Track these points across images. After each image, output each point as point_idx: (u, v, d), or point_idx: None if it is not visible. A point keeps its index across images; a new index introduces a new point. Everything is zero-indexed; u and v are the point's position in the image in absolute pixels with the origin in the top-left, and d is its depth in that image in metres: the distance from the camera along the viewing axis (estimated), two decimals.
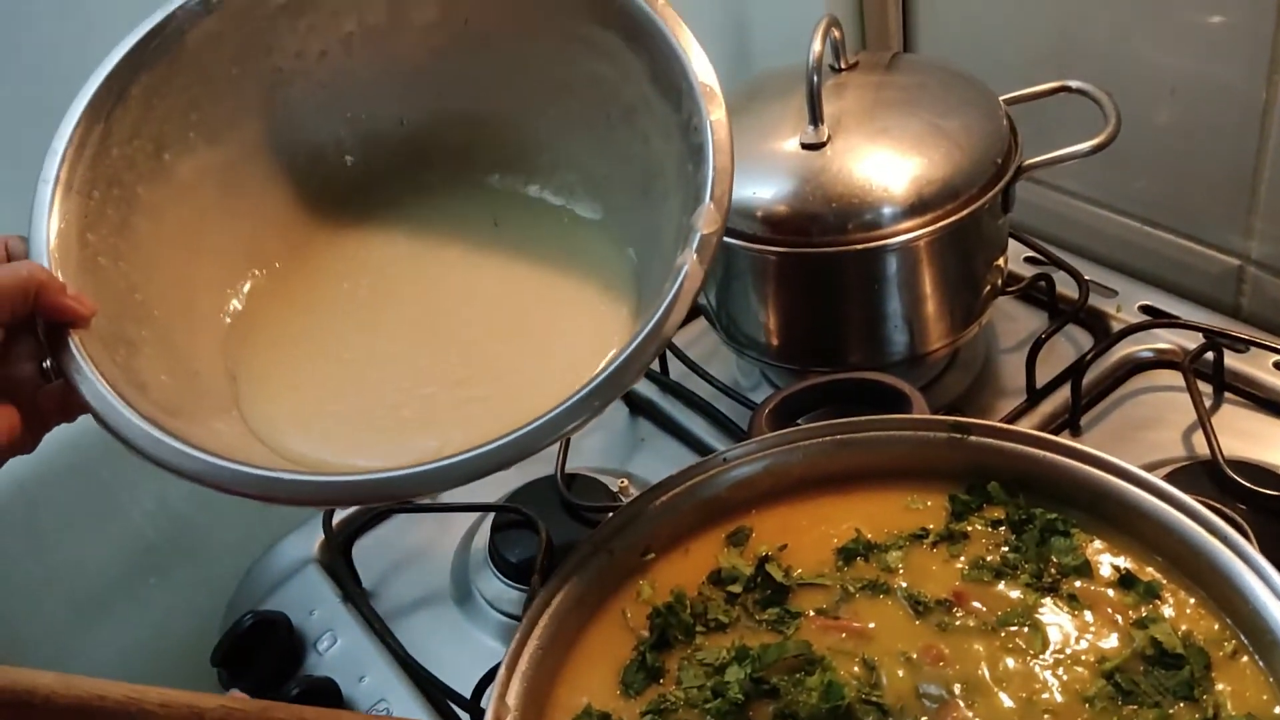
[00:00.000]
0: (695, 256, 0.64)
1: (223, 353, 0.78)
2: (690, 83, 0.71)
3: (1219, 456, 0.84)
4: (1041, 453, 0.69)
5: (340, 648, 0.96)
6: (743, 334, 1.00)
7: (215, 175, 0.81)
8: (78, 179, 0.72)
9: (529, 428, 0.61)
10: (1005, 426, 0.70)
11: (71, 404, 0.67)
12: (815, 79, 0.88)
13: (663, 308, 0.63)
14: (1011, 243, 1.04)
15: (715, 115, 0.70)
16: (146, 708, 0.49)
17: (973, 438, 0.70)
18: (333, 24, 0.82)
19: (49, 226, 0.70)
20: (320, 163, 0.85)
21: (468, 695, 0.86)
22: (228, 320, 0.80)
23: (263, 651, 0.95)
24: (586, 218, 0.83)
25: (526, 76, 0.83)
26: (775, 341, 1.00)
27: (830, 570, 0.70)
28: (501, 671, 0.65)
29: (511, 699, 0.64)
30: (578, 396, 0.62)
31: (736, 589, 0.69)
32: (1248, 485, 0.81)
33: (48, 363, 0.66)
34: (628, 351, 0.63)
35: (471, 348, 0.77)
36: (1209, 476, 0.84)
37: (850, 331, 0.96)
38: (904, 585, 0.67)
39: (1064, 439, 0.68)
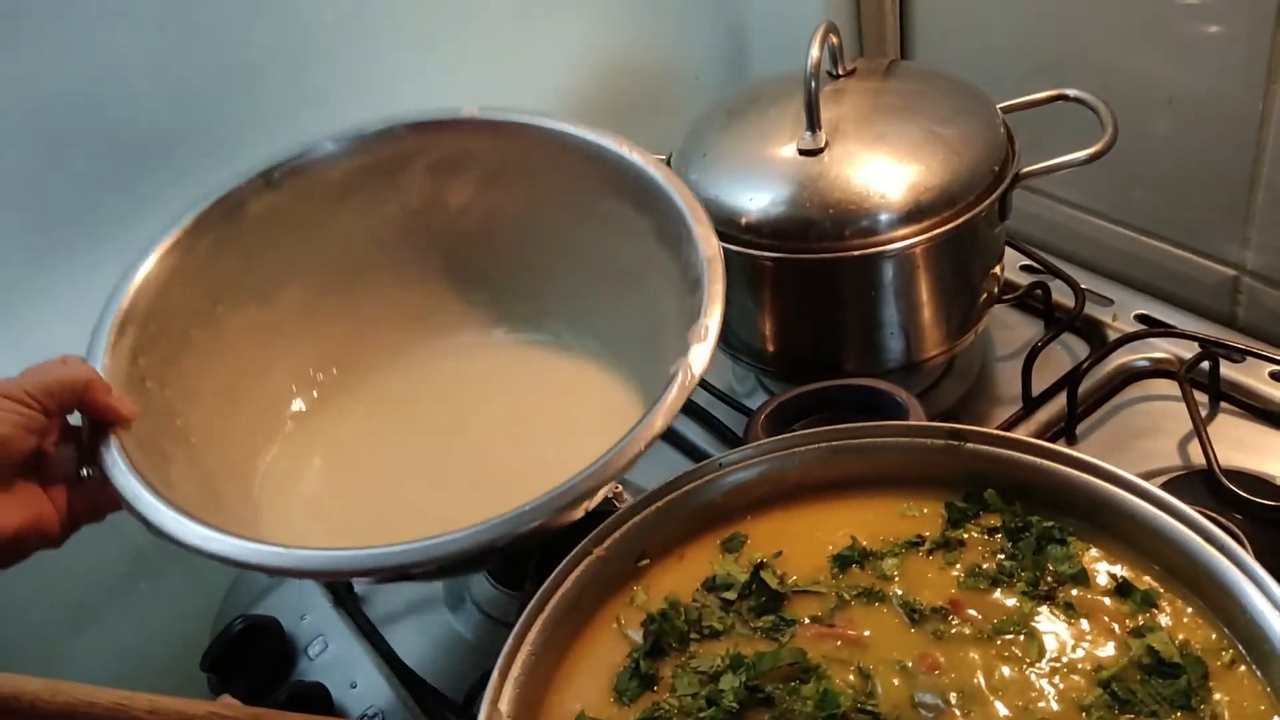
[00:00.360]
0: (690, 364, 0.73)
1: (249, 493, 0.87)
2: (689, 228, 0.81)
3: (1215, 466, 0.84)
4: (1039, 460, 0.68)
5: (331, 653, 0.95)
6: (739, 340, 1.00)
7: (262, 331, 0.92)
8: (139, 310, 0.83)
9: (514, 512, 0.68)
10: (1002, 434, 0.69)
11: (101, 504, 0.74)
12: (813, 85, 0.88)
13: (652, 412, 0.71)
14: (1008, 251, 1.03)
15: (709, 252, 0.80)
16: (135, 714, 0.48)
17: (969, 445, 0.70)
18: (378, 207, 0.95)
19: (106, 342, 0.80)
20: (359, 298, 0.97)
21: (460, 701, 0.85)
22: (259, 464, 0.90)
23: (253, 656, 0.94)
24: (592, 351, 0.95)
25: (548, 253, 0.95)
26: (771, 348, 1.00)
27: (825, 577, 0.69)
28: (494, 677, 0.64)
29: (504, 705, 0.63)
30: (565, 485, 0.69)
31: (731, 595, 0.69)
32: (1244, 495, 0.81)
33: (85, 471, 0.74)
34: (623, 442, 0.70)
35: (488, 454, 0.89)
36: (1205, 486, 0.84)
37: (846, 338, 0.96)
38: (899, 593, 0.67)
39: (1061, 446, 0.68)
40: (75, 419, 0.76)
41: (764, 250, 0.91)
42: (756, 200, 0.91)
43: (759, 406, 0.81)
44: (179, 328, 0.86)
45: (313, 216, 0.93)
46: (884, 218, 0.88)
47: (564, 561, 0.69)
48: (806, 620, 0.67)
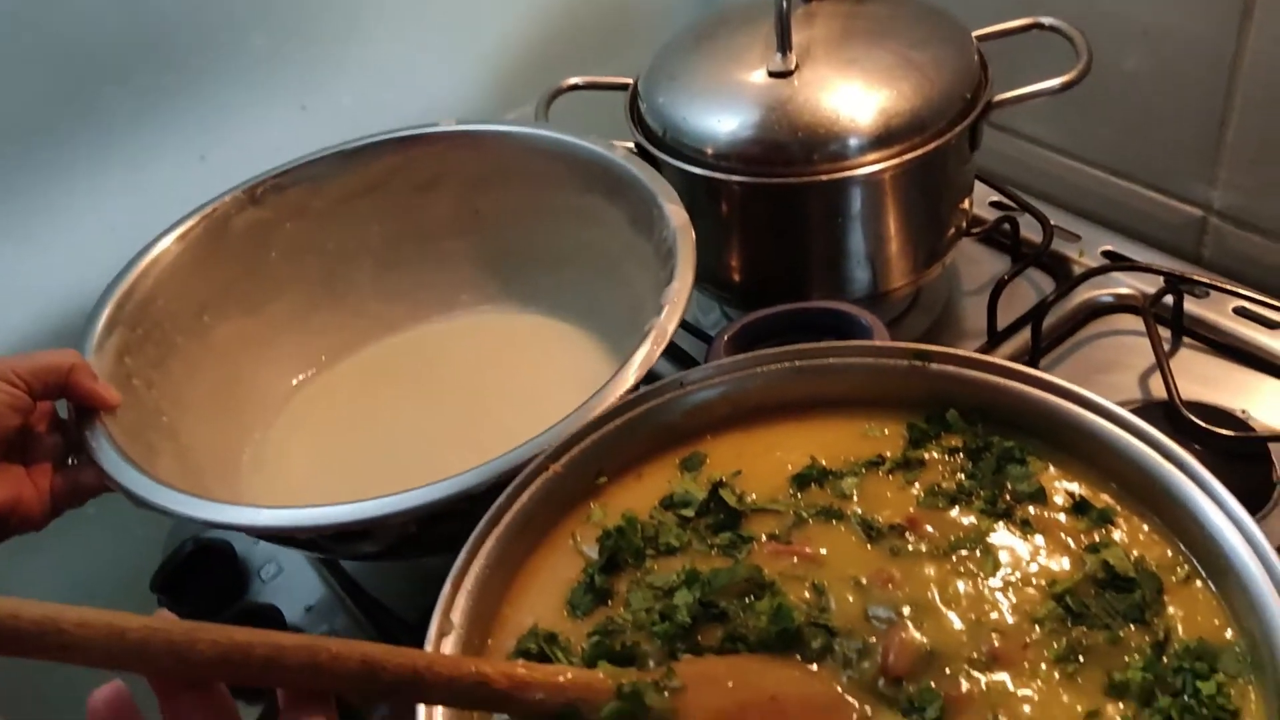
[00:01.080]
0: (663, 323, 0.76)
1: (236, 483, 0.90)
2: (660, 206, 0.85)
3: (1176, 398, 0.84)
4: (1002, 380, 0.68)
5: (285, 576, 0.94)
6: (705, 270, 0.98)
7: (250, 341, 0.95)
8: (126, 313, 0.86)
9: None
10: (966, 354, 0.69)
11: (83, 488, 0.77)
12: (784, 5, 0.87)
13: (626, 366, 0.74)
14: (978, 187, 1.03)
15: (679, 222, 0.84)
16: (63, 627, 0.46)
17: (933, 366, 0.69)
18: (363, 223, 1.00)
19: (93, 341, 0.83)
20: (348, 310, 1.01)
21: (414, 623, 0.84)
22: (244, 457, 0.93)
23: (204, 578, 0.93)
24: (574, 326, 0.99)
25: (529, 248, 1.00)
26: (737, 278, 0.99)
27: (784, 496, 0.68)
28: (446, 588, 0.63)
29: (456, 616, 0.62)
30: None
31: (689, 513, 0.68)
32: (1203, 425, 0.81)
33: (70, 460, 0.77)
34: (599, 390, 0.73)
35: (473, 409, 0.93)
36: (1166, 418, 0.84)
37: (813, 267, 0.95)
38: (858, 511, 0.66)
39: (1024, 366, 0.67)
40: (63, 412, 0.79)
41: (731, 175, 0.90)
42: (725, 123, 0.90)
43: (723, 328, 0.80)
44: (165, 334, 0.89)
45: (298, 233, 0.98)
46: (853, 142, 0.86)
47: (520, 477, 0.68)
48: (764, 538, 0.66)
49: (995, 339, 0.96)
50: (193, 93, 0.99)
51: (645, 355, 0.75)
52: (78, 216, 0.99)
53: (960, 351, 0.69)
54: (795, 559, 0.65)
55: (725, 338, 0.78)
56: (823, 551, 0.65)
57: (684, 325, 1.02)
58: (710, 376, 0.72)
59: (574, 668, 0.59)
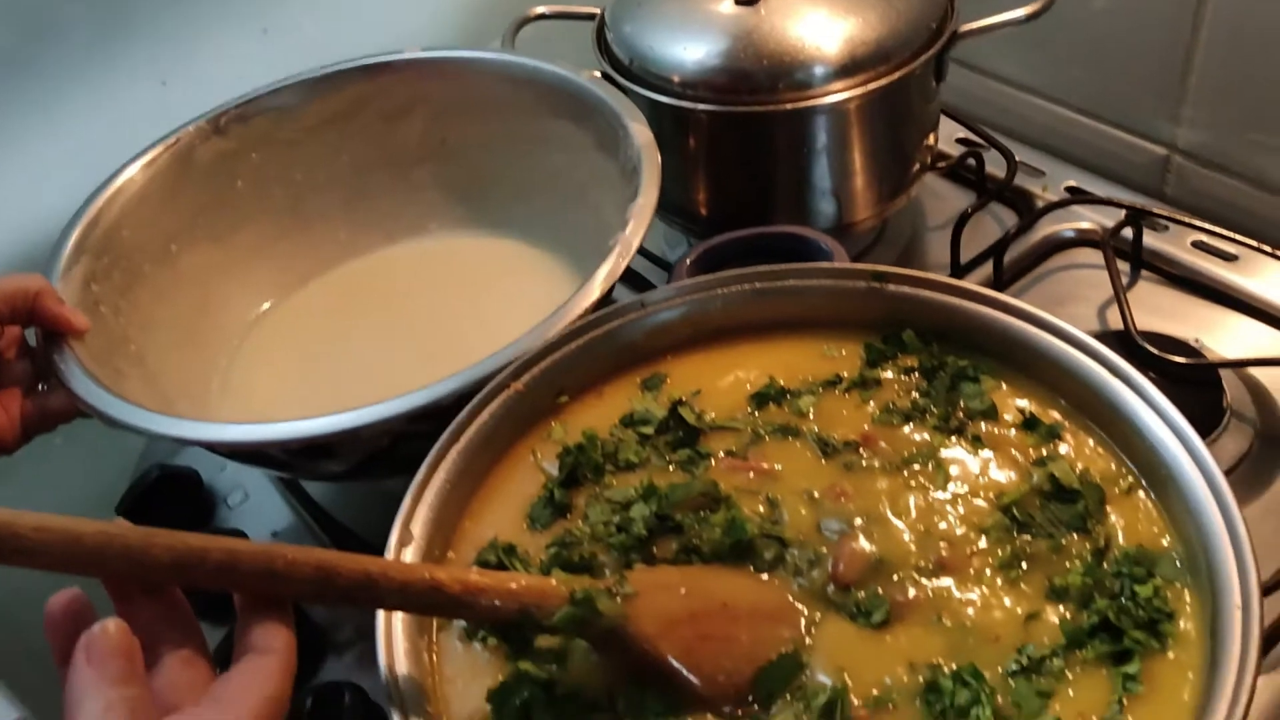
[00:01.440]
0: (628, 238, 0.76)
1: (205, 406, 0.90)
2: (625, 125, 0.85)
3: (1131, 328, 0.85)
4: (958, 301, 0.68)
5: (252, 503, 0.94)
6: (670, 201, 0.98)
7: (217, 270, 0.95)
8: (92, 241, 0.86)
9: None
10: (923, 275, 0.69)
11: (52, 413, 0.77)
12: None
13: (591, 280, 0.74)
14: (944, 123, 1.03)
15: (644, 140, 0.84)
16: (20, 531, 0.47)
17: (891, 287, 0.70)
18: (330, 154, 0.99)
19: (59, 268, 0.83)
20: (316, 239, 1.01)
21: (383, 549, 0.85)
22: (213, 384, 0.93)
23: (169, 506, 0.93)
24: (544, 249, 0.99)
25: (499, 175, 1.00)
26: (703, 210, 0.99)
27: (743, 414, 0.69)
28: (407, 500, 0.64)
29: (416, 528, 0.63)
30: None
31: (649, 430, 0.69)
32: (1157, 353, 0.82)
33: (40, 386, 0.77)
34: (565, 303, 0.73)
35: (440, 331, 0.92)
36: (1121, 347, 0.85)
37: (778, 198, 0.96)
38: (814, 429, 0.67)
39: (979, 287, 0.68)
40: (32, 340, 0.79)
41: (698, 103, 0.90)
42: (691, 51, 0.89)
43: (685, 252, 0.80)
44: (132, 262, 0.89)
45: (264, 163, 0.97)
46: (819, 71, 0.87)
47: (480, 395, 0.69)
48: (721, 454, 0.67)
49: (958, 272, 0.97)
50: (151, 14, 0.98)
51: (610, 269, 0.75)
52: (37, 143, 0.98)
53: (917, 272, 0.70)
54: (751, 474, 0.66)
55: (687, 261, 0.78)
56: (778, 467, 0.66)
57: (651, 258, 1.03)
58: (671, 297, 0.73)
59: (528, 575, 0.60)
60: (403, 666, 0.56)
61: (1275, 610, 0.70)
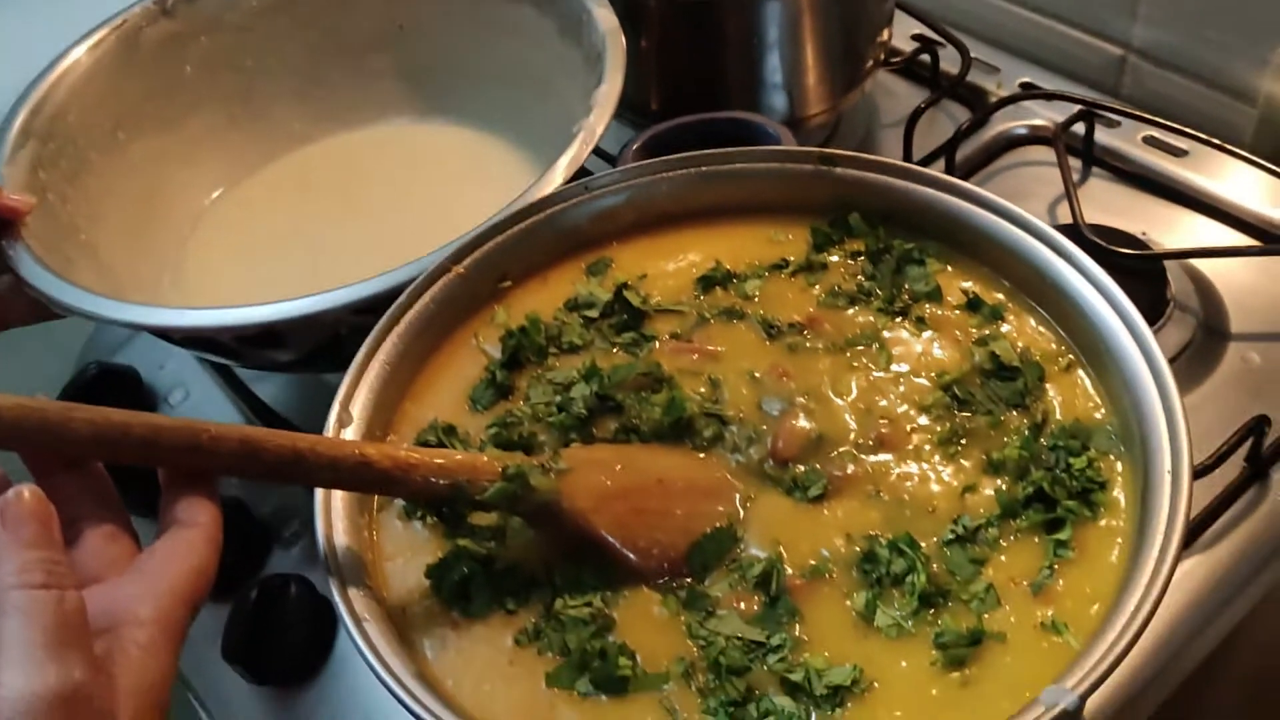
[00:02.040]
0: (591, 124, 0.76)
1: (158, 293, 0.89)
2: (588, 11, 0.83)
3: (1079, 221, 0.85)
4: (904, 183, 0.68)
5: (193, 401, 0.93)
6: (621, 95, 0.97)
7: (167, 158, 0.93)
8: (37, 126, 0.84)
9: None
10: (870, 157, 0.69)
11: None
12: None
13: (554, 166, 0.73)
14: (899, 19, 1.01)
15: (608, 26, 0.82)
16: None
17: (838, 169, 0.69)
18: (280, 45, 0.96)
19: (5, 151, 0.81)
20: (269, 128, 0.98)
21: None
22: (165, 277, 0.91)
23: (108, 404, 0.91)
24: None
25: (460, 64, 0.97)
26: (655, 105, 0.97)
27: (688, 297, 0.69)
28: (345, 381, 0.63)
29: (356, 409, 0.62)
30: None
31: (593, 314, 0.68)
32: (1104, 245, 0.82)
33: None
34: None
35: (396, 221, 0.91)
36: (1070, 240, 0.85)
37: (730, 91, 0.94)
38: (759, 312, 0.67)
39: (926, 169, 0.67)
40: None
41: None
42: None
43: (631, 138, 0.79)
44: (79, 149, 0.87)
45: (213, 47, 0.94)
46: None
47: (421, 278, 0.67)
48: (666, 336, 0.67)
49: None
50: None
51: (573, 156, 0.74)
52: None
53: (864, 155, 0.69)
54: (695, 356, 0.66)
55: (634, 147, 0.77)
56: (721, 349, 0.66)
57: (603, 156, 1.01)
58: (616, 181, 0.71)
59: (462, 451, 0.60)
60: (342, 540, 0.56)
61: (1209, 494, 0.72)
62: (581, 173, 0.99)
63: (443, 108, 1.00)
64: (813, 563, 0.56)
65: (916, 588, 0.53)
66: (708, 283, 0.69)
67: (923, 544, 0.55)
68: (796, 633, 0.53)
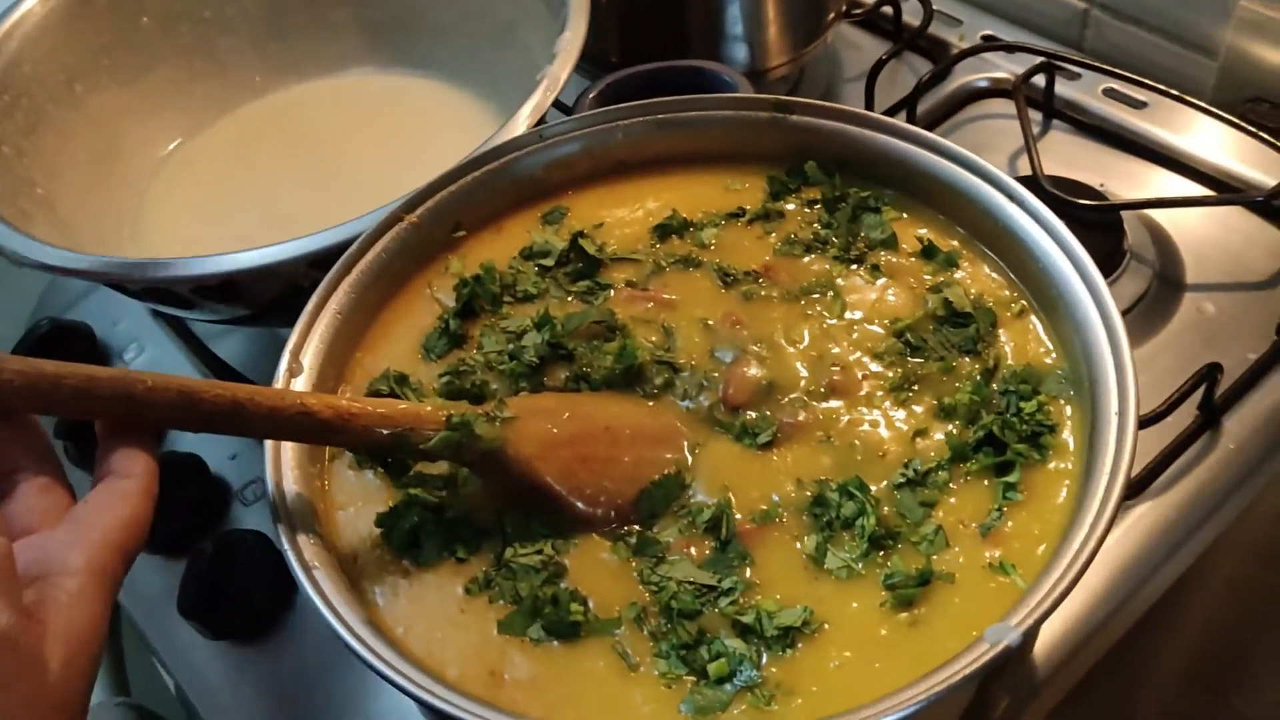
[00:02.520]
0: (554, 72, 0.75)
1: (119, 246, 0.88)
2: None
3: (1038, 172, 0.85)
4: (861, 130, 0.67)
5: (148, 357, 0.92)
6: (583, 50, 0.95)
7: (126, 113, 0.92)
8: None
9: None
10: (827, 104, 0.68)
11: None
12: None
13: (517, 114, 0.73)
14: None
15: None
16: None
17: (794, 117, 0.69)
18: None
19: None
20: (229, 81, 0.98)
21: None
22: (124, 232, 0.89)
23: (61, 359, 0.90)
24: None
25: (419, 18, 0.96)
26: (614, 58, 0.96)
27: (644, 246, 0.68)
28: (296, 331, 0.62)
29: (307, 359, 0.62)
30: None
31: (548, 262, 0.68)
32: (1062, 196, 0.82)
33: None
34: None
35: (357, 171, 0.89)
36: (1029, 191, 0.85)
37: (690, 42, 0.93)
38: (715, 260, 0.67)
39: (882, 116, 0.67)
40: None
41: None
42: None
43: (588, 86, 0.78)
44: (35, 102, 0.86)
45: (171, 3, 0.93)
46: None
47: (372, 227, 0.66)
48: (622, 285, 0.66)
49: None
50: None
51: (536, 103, 0.73)
52: None
53: (820, 102, 0.68)
54: (650, 304, 0.65)
55: (590, 95, 0.76)
56: (676, 297, 0.65)
57: (562, 109, 1.00)
58: (571, 130, 0.71)
59: (405, 401, 0.59)
60: (292, 488, 0.55)
61: (1161, 442, 0.72)
62: (542, 122, 0.98)
63: (405, 59, 0.99)
64: (763, 508, 0.56)
65: (866, 530, 0.53)
66: (664, 231, 0.69)
67: (873, 488, 0.55)
68: (747, 576, 0.54)
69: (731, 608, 0.52)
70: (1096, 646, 0.68)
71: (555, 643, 0.52)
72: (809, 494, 0.56)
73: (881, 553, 0.53)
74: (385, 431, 0.54)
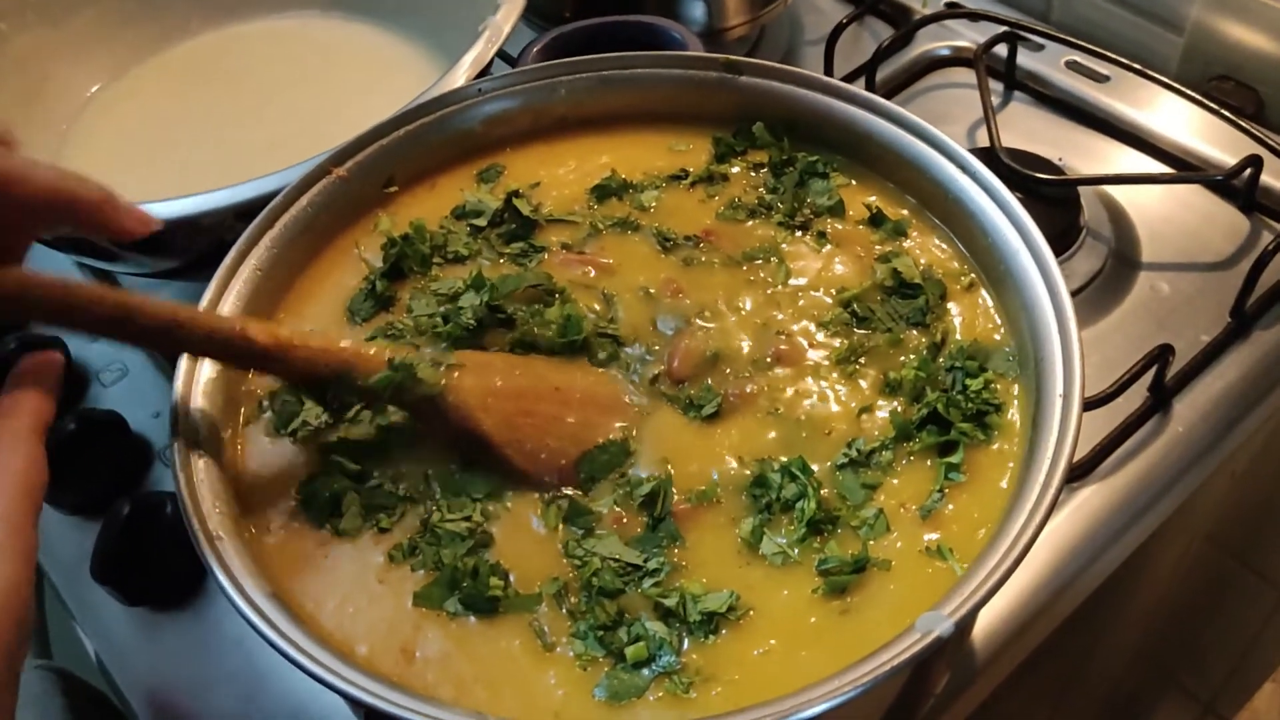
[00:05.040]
0: (498, 22, 0.73)
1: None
2: None
3: (996, 145, 0.83)
4: (811, 94, 0.65)
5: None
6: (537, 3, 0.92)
7: (53, 51, 0.88)
8: None
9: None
10: (777, 66, 0.65)
11: None
12: None
13: (456, 65, 0.71)
14: None
15: None
16: None
17: (744, 78, 0.66)
18: None
19: None
20: (163, 22, 0.93)
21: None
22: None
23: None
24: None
25: None
26: (567, 12, 0.92)
27: (582, 208, 0.66)
28: (211, 288, 0.59)
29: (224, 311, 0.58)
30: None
31: (481, 223, 0.65)
32: (1019, 169, 0.80)
33: None
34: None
35: (291, 118, 0.85)
36: (986, 163, 0.82)
37: (646, 1, 0.90)
38: (655, 224, 0.64)
39: (834, 80, 0.64)
40: None
41: None
42: None
43: (532, 40, 0.75)
44: None
45: None
46: None
47: (297, 180, 0.63)
48: (558, 247, 0.64)
49: None
50: None
51: (478, 55, 0.71)
52: None
53: (770, 63, 0.65)
54: (588, 268, 0.62)
55: (535, 49, 0.73)
56: (613, 261, 0.63)
57: (507, 59, 0.97)
58: (511, 84, 0.67)
59: (349, 340, 0.57)
60: (201, 459, 0.52)
61: (1110, 423, 0.71)
62: (484, 74, 0.95)
63: (350, 3, 0.94)
64: (701, 487, 0.53)
65: (806, 514, 0.51)
66: (603, 192, 0.66)
67: (816, 467, 0.53)
68: (676, 557, 0.51)
69: (655, 589, 0.50)
70: (1040, 628, 0.67)
71: (472, 618, 0.50)
72: (749, 473, 0.53)
73: (819, 538, 0.51)
74: (327, 366, 0.52)
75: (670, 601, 0.49)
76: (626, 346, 0.59)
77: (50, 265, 0.89)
